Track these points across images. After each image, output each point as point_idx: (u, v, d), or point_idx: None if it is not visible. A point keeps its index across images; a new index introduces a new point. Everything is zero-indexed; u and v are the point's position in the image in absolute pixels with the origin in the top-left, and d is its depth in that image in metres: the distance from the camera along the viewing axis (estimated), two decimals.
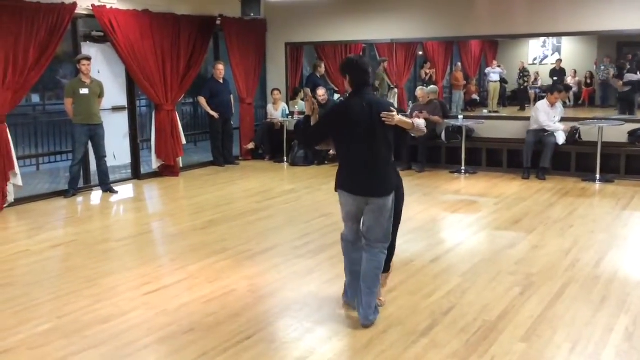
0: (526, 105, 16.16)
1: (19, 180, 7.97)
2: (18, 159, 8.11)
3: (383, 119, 4.03)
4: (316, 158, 10.73)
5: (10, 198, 7.88)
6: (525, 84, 16.70)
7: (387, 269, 4.51)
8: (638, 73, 14.02)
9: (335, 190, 4.28)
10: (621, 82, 13.55)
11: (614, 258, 5.58)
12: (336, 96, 12.10)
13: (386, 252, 4.29)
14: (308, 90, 4.65)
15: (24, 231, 7.03)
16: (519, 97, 16.55)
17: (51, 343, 3.99)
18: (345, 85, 4.31)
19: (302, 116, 10.85)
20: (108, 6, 8.96)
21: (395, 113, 4.07)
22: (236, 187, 9.27)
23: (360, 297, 4.17)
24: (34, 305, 4.64)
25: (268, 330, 4.16)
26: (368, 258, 4.20)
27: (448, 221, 7.19)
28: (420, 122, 4.35)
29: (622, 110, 13.51)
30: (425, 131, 4.44)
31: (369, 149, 4.09)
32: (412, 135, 4.51)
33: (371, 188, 4.12)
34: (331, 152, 4.49)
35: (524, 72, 16.79)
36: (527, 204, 7.72)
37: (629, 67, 14.17)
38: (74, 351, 3.86)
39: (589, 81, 16.81)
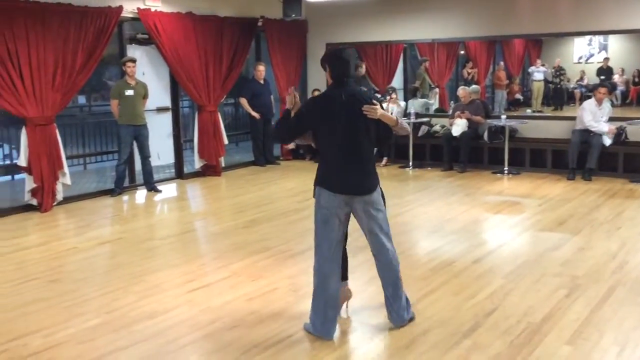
0: (571, 105, 15.86)
1: (67, 179, 8.17)
2: (67, 158, 8.28)
3: (365, 112, 3.86)
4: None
5: (60, 196, 8.09)
6: (561, 83, 16.35)
7: (345, 277, 4.28)
8: None
9: (314, 190, 4.09)
10: None
11: None
12: (378, 95, 12.07)
13: (394, 251, 4.13)
14: (292, 89, 4.43)
15: (72, 229, 7.20)
16: (554, 96, 16.18)
17: (100, 337, 4.08)
18: (326, 78, 4.14)
19: None
20: (153, 9, 9.13)
21: (377, 106, 3.90)
22: (277, 186, 9.33)
23: (391, 303, 4.09)
24: (83, 301, 4.75)
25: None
26: (382, 265, 4.09)
27: (491, 222, 7.11)
28: (403, 122, 4.15)
29: None
30: (409, 132, 4.14)
31: (350, 143, 3.92)
32: (400, 134, 4.23)
33: (355, 185, 3.93)
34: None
35: (560, 71, 16.44)
36: (572, 205, 7.58)
37: None
38: (121, 346, 3.95)
39: (637, 79, 16.39)
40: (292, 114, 4.09)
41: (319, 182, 4.03)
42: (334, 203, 3.93)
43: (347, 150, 3.92)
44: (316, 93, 11.52)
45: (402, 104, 11.54)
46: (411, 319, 4.16)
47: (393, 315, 4.10)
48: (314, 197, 4.08)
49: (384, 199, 4.13)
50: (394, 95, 11.31)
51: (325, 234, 3.98)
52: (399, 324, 4.08)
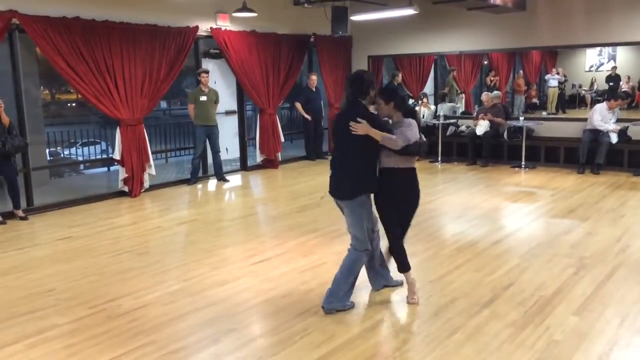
0: (582, 108, 15.37)
1: (152, 170, 8.35)
2: (152, 153, 8.44)
3: (350, 128, 3.73)
4: None
5: (146, 184, 8.28)
6: (564, 90, 15.85)
7: (399, 268, 4.08)
8: None
9: None
10: None
11: None
12: (411, 101, 11.97)
13: (357, 251, 3.92)
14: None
15: (156, 211, 7.36)
16: (559, 102, 15.67)
17: (179, 300, 4.20)
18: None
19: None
20: (223, 28, 9.25)
21: (362, 124, 3.70)
22: (325, 177, 9.21)
23: (331, 284, 3.93)
24: (165, 271, 4.87)
25: (352, 297, 4.11)
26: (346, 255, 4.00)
27: (509, 209, 6.99)
28: (394, 137, 3.74)
29: None
30: (399, 146, 3.74)
31: (338, 155, 3.97)
32: (391, 147, 3.78)
33: (335, 190, 3.95)
34: None
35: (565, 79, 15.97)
36: (581, 196, 7.38)
37: None
38: (197, 307, 4.05)
39: None
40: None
41: None
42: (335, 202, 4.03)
43: (335, 161, 3.99)
44: None
45: (433, 107, 11.41)
46: (328, 310, 3.87)
47: (327, 294, 3.93)
48: None
49: (383, 202, 3.93)
50: (425, 100, 11.19)
51: None
52: (323, 304, 3.90)
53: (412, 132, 3.84)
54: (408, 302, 4.03)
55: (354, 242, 3.97)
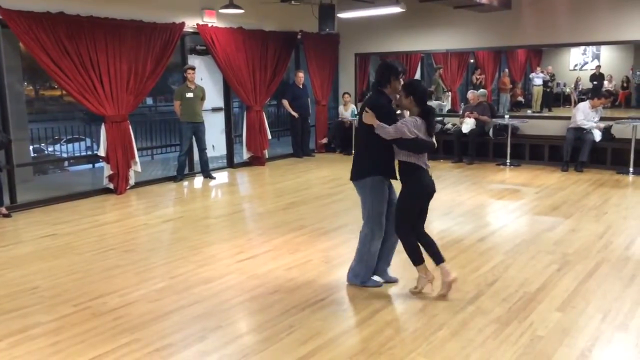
0: (567, 106, 15.52)
1: (138, 167, 8.29)
2: (137, 150, 8.39)
3: (361, 116, 4.03)
4: None
5: (132, 181, 8.23)
6: (551, 89, 16.01)
7: (416, 262, 4.10)
8: None
9: None
10: None
11: None
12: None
13: (367, 232, 4.13)
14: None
15: (142, 208, 7.31)
16: (545, 100, 15.81)
17: (165, 298, 4.17)
18: None
19: None
20: (209, 25, 9.20)
21: (368, 113, 3.92)
22: (312, 175, 9.36)
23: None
24: (151, 268, 4.85)
25: (338, 294, 4.21)
26: None
27: (494, 206, 7.05)
28: (383, 126, 3.84)
29: None
30: (389, 136, 3.85)
31: (357, 141, 4.22)
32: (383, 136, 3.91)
33: (351, 173, 4.19)
34: None
35: (552, 77, 16.12)
36: (565, 193, 7.46)
37: None
38: (183, 305, 4.03)
39: (625, 85, 15.99)
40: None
41: None
42: None
43: (355, 146, 4.22)
44: (346, 96, 11.54)
45: None
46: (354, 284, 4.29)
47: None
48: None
49: (406, 192, 4.01)
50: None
51: None
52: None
53: (409, 128, 3.87)
54: (415, 291, 4.16)
55: (365, 221, 4.18)
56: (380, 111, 3.94)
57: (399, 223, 4.07)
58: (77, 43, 7.32)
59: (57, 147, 12.89)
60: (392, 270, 4.42)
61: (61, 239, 5.82)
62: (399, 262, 4.61)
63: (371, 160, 4.07)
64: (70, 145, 12.59)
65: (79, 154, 12.34)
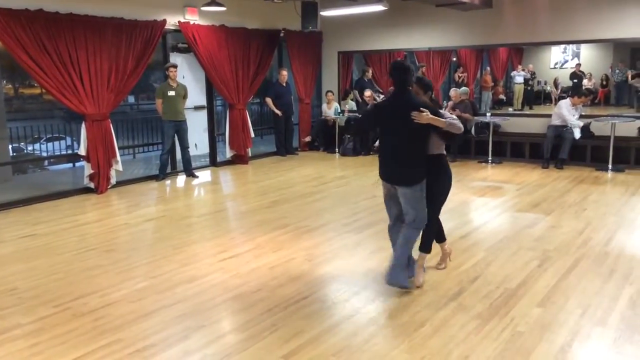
0: (547, 104, 15.69)
1: (119, 166, 8.22)
2: (119, 148, 8.33)
3: (412, 117, 3.88)
4: (363, 149, 10.74)
5: (113, 180, 8.16)
6: (532, 87, 16.19)
7: (426, 249, 4.36)
8: None
9: None
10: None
11: (622, 237, 5.43)
12: (381, 97, 12.05)
13: (416, 230, 4.13)
14: (356, 92, 4.57)
15: (123, 207, 7.25)
16: (526, 98, 15.98)
17: (147, 297, 4.14)
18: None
19: (352, 114, 10.94)
20: (191, 22, 9.15)
21: (426, 113, 3.86)
22: (295, 173, 9.36)
23: (392, 264, 4.13)
24: (133, 267, 4.81)
25: (322, 292, 4.22)
26: (402, 232, 4.15)
27: (476, 204, 7.10)
28: (454, 121, 4.04)
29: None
30: (462, 128, 4.10)
31: (396, 143, 4.03)
32: (454, 132, 4.06)
33: (395, 178, 4.07)
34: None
35: (532, 75, 16.30)
36: (545, 190, 7.55)
37: None
38: (165, 305, 4.01)
39: (604, 83, 16.20)
40: None
41: (379, 173, 4.23)
42: (386, 186, 4.18)
43: (392, 149, 4.07)
44: (330, 94, 11.54)
45: None
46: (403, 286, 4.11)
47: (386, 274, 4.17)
48: None
49: (444, 184, 4.23)
50: None
51: (385, 202, 4.27)
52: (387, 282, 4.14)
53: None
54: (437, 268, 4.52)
55: (414, 222, 4.11)
56: (431, 110, 3.94)
57: (439, 210, 4.30)
58: (56, 41, 7.23)
59: (37, 146, 12.72)
60: (370, 268, 4.43)
61: (41, 239, 5.75)
62: (381, 258, 4.63)
63: (422, 162, 4.06)
64: (50, 144, 12.43)
65: (59, 153, 12.19)
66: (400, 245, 4.12)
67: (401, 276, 4.08)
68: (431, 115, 3.91)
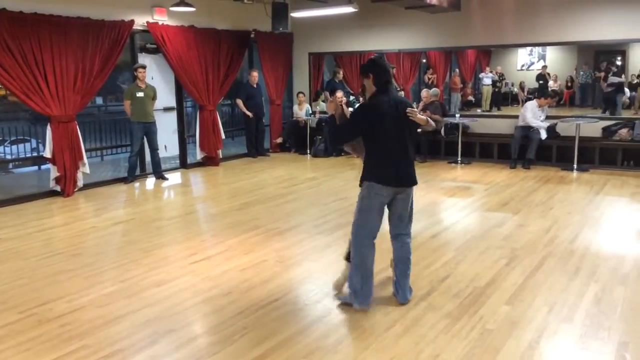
0: (514, 105, 15.97)
1: (87, 169, 8.08)
2: (86, 151, 8.18)
3: (408, 115, 3.72)
4: (334, 150, 10.75)
5: (80, 183, 8.01)
6: (500, 88, 16.50)
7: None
8: (622, 76, 13.93)
9: (360, 185, 3.86)
10: (605, 84, 13.54)
11: (587, 236, 5.56)
12: (351, 98, 12.10)
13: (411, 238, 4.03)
14: (328, 93, 4.46)
15: (91, 211, 7.13)
16: (493, 99, 16.27)
17: (115, 302, 4.07)
18: (367, 85, 3.83)
19: (323, 115, 10.94)
20: (160, 22, 9.04)
21: (416, 110, 3.82)
22: (266, 175, 9.32)
23: (399, 281, 3.97)
24: (100, 272, 4.73)
25: (293, 294, 4.21)
26: (400, 245, 3.99)
27: (445, 204, 7.18)
28: (434, 119, 4.11)
29: (605, 108, 13.43)
30: (434, 126, 4.10)
31: (399, 143, 3.76)
32: (427, 130, 4.12)
33: (407, 179, 3.84)
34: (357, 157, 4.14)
35: (501, 77, 16.61)
36: (513, 190, 7.68)
37: (614, 70, 14.00)
38: (134, 309, 3.94)
39: (569, 84, 16.59)
40: (337, 120, 3.86)
41: (369, 177, 3.79)
42: (383, 194, 3.77)
43: (396, 150, 3.76)
44: (301, 96, 11.53)
45: None
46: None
47: (400, 293, 3.98)
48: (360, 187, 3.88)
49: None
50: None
51: (370, 220, 3.82)
52: (404, 301, 3.95)
53: None
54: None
55: (409, 228, 4.01)
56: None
57: None
58: (20, 41, 7.05)
59: (1, 148, 12.37)
60: (341, 270, 4.42)
61: (5, 243, 5.60)
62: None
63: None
64: (14, 147, 12.11)
65: (23, 156, 11.88)
66: (405, 262, 3.98)
67: (407, 291, 4.00)
68: (422, 115, 3.88)
